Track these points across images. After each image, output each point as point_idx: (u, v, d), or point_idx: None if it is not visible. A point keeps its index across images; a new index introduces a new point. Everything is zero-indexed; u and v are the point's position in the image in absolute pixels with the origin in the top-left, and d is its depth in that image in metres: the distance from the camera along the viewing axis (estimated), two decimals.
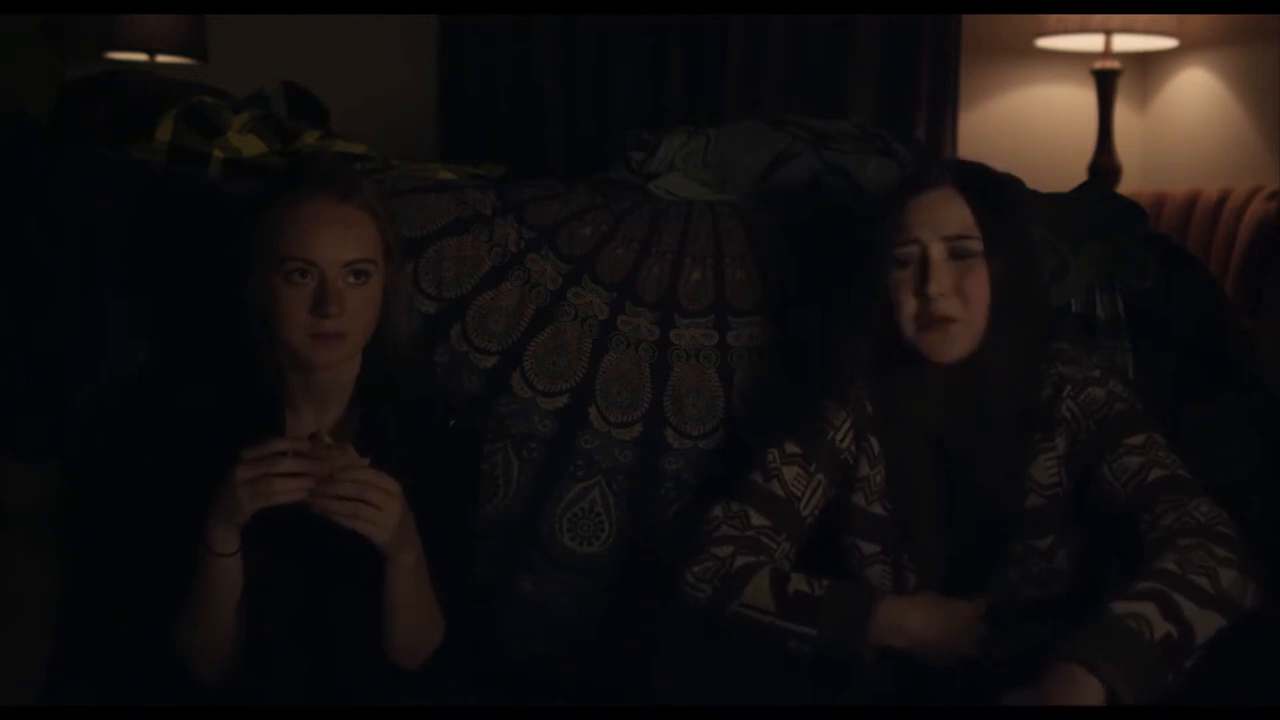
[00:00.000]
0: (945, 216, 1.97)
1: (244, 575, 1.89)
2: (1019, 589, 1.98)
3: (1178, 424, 2.14)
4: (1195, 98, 4.87)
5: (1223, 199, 4.30)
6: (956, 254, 1.97)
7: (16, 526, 2.11)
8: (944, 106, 4.68)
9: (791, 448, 2.07)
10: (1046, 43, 4.79)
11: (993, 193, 2.02)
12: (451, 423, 2.08)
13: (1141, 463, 1.91)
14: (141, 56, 4.55)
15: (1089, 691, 1.67)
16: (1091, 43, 4.73)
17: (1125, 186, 4.63)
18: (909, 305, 1.98)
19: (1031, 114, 5.02)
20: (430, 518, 1.99)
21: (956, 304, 1.96)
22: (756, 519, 2.03)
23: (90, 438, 2.10)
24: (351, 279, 1.96)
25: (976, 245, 1.96)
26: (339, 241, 1.95)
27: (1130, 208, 2.42)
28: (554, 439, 2.28)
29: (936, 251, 1.97)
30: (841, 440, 2.07)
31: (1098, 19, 4.58)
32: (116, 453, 2.00)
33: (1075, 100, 4.95)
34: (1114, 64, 4.72)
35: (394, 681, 1.95)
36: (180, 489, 1.95)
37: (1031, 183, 2.39)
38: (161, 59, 4.53)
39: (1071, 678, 1.68)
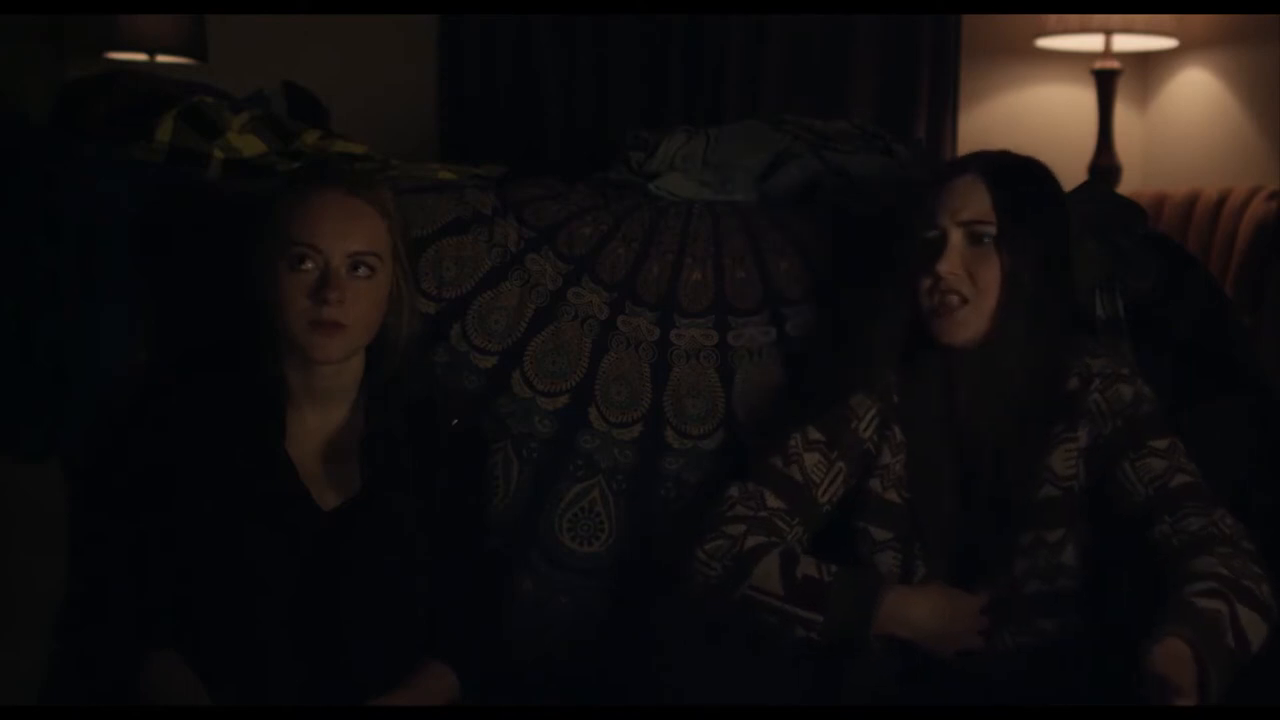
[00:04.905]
0: (965, 202, 2.02)
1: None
2: (1024, 582, 1.99)
3: (1177, 424, 2.14)
4: (1195, 98, 4.86)
5: (1223, 199, 4.30)
6: (973, 239, 2.01)
7: (16, 526, 2.10)
8: (944, 106, 4.68)
9: (814, 434, 2.08)
10: (1046, 43, 4.79)
11: (1019, 183, 2.06)
12: (455, 422, 2.08)
13: (1166, 466, 1.94)
14: (141, 56, 4.54)
15: (1190, 669, 1.68)
16: (1091, 43, 4.73)
17: (1125, 186, 4.63)
18: (924, 285, 2.01)
19: (1031, 114, 5.02)
20: (435, 518, 1.99)
21: (966, 284, 1.99)
22: (772, 501, 2.03)
23: (90, 438, 2.09)
24: (355, 270, 1.96)
25: (990, 230, 2.00)
26: (345, 231, 1.95)
27: (1130, 208, 2.42)
28: (554, 439, 2.28)
29: (954, 235, 2.01)
30: (865, 430, 2.08)
31: (1098, 19, 4.58)
32: (117, 452, 2.00)
33: (1075, 100, 4.95)
34: (1114, 64, 4.72)
35: (394, 681, 1.95)
36: (181, 489, 1.95)
37: None
38: (161, 59, 4.52)
39: (1179, 654, 1.68)
